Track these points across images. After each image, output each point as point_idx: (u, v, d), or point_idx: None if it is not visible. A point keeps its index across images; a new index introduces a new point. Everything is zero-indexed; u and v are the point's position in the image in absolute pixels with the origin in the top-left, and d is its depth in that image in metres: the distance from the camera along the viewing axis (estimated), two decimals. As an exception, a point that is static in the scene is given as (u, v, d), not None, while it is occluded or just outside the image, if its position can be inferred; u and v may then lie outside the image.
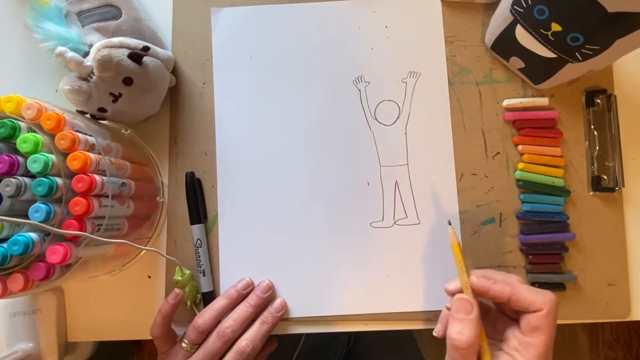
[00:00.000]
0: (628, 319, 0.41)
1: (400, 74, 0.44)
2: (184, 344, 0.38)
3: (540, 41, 0.37)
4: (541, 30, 0.36)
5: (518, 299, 0.30)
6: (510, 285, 0.31)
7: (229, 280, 0.42)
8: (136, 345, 1.03)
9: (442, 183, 0.43)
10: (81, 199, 0.31)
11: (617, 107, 0.42)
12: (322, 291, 0.42)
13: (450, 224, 0.36)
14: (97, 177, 0.32)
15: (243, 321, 0.39)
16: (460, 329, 0.30)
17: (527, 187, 0.42)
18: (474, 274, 0.33)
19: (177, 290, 0.40)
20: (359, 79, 0.44)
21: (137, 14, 0.41)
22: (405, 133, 0.44)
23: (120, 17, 0.40)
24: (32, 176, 0.30)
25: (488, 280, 0.31)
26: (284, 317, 0.41)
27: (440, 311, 0.41)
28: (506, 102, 0.43)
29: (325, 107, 0.44)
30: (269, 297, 0.41)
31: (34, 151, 0.30)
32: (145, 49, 0.38)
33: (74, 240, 0.31)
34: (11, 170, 0.30)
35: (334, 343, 0.63)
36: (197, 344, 0.38)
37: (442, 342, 0.33)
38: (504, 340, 0.32)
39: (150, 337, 0.40)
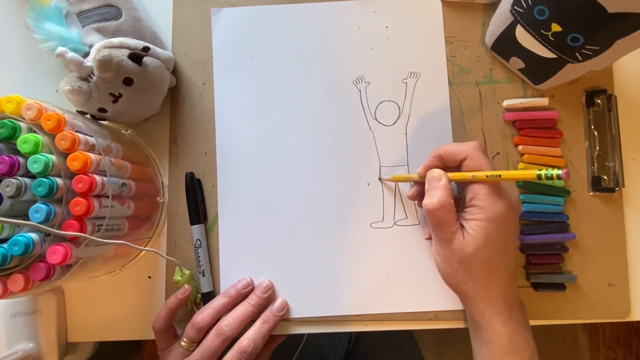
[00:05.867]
0: (628, 319, 0.41)
1: (400, 75, 0.44)
2: (183, 343, 0.38)
3: (540, 41, 0.37)
4: (541, 30, 0.36)
5: (446, 151, 0.36)
6: (438, 146, 0.37)
7: (228, 281, 0.42)
8: (136, 345, 1.04)
9: (442, 183, 0.43)
10: (81, 199, 0.31)
11: (617, 108, 0.42)
12: (322, 291, 0.42)
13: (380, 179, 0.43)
14: (98, 178, 0.32)
15: (242, 320, 0.39)
16: (431, 195, 0.35)
17: (527, 187, 0.42)
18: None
19: (186, 286, 0.40)
20: (359, 79, 0.44)
21: (137, 14, 0.41)
22: (406, 133, 0.44)
23: (121, 17, 0.40)
24: (33, 177, 0.30)
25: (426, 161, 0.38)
26: (284, 317, 0.41)
27: (440, 311, 0.41)
28: (506, 103, 0.43)
29: (325, 107, 0.44)
30: (269, 297, 0.41)
31: (34, 152, 0.30)
32: (146, 49, 0.38)
33: (74, 240, 0.31)
34: (11, 171, 0.30)
35: (334, 343, 0.63)
36: (196, 342, 0.38)
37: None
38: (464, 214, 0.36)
39: (150, 338, 0.40)
